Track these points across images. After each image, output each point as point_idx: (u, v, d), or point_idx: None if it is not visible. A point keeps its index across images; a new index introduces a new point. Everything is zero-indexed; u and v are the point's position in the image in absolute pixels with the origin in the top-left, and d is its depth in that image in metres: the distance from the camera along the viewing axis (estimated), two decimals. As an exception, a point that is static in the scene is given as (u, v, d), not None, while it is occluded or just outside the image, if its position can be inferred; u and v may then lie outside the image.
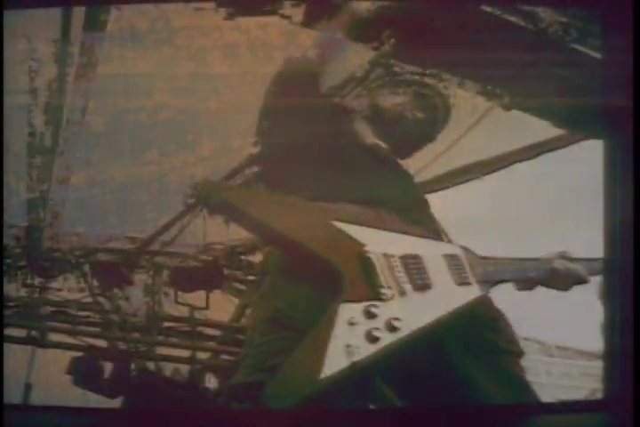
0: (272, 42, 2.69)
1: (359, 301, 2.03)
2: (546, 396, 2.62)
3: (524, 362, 2.39)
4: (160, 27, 2.72)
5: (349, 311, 2.01)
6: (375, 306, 2.04)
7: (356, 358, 1.98)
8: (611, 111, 2.56)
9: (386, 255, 2.12)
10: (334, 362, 1.96)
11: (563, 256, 2.39)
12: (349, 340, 1.99)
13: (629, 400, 2.30)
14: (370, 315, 2.03)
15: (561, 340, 2.79)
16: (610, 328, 2.53)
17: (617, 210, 2.47)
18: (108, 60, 2.77)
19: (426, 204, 2.40)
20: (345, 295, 2.03)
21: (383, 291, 2.06)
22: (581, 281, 2.41)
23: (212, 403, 2.68)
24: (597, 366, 2.61)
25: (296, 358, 2.00)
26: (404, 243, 2.17)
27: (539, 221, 2.64)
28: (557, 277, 2.37)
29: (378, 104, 2.49)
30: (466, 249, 2.29)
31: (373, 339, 2.01)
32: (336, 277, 2.05)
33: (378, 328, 2.02)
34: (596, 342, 2.60)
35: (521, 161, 2.82)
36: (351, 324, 2.00)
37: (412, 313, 2.07)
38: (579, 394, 2.72)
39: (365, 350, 1.99)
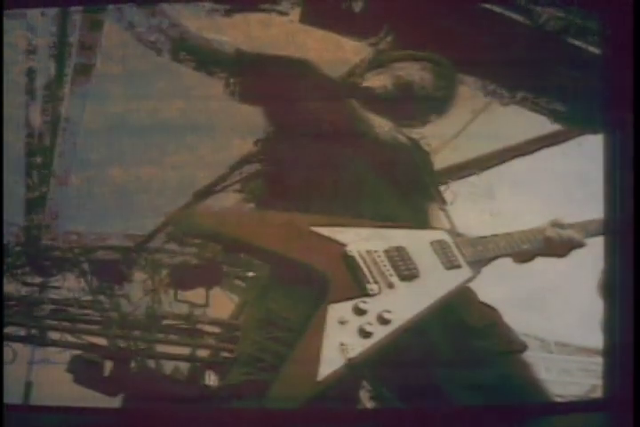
0: (272, 40, 2.69)
1: (347, 299, 2.04)
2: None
3: (525, 358, 2.39)
4: (159, 25, 2.73)
5: (339, 311, 2.03)
6: (364, 302, 2.05)
7: (351, 355, 1.99)
8: (610, 106, 2.56)
9: (369, 251, 2.12)
10: (330, 361, 1.97)
11: (554, 224, 2.39)
12: (342, 338, 2.00)
13: (629, 400, 2.30)
14: (360, 311, 2.04)
15: (560, 336, 2.79)
16: (610, 324, 2.52)
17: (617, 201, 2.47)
18: (107, 60, 2.78)
19: (427, 187, 2.39)
20: (332, 296, 2.05)
21: (369, 286, 2.07)
22: (578, 245, 2.41)
23: (213, 401, 2.68)
24: (597, 363, 2.61)
25: (292, 360, 2.02)
26: (387, 237, 2.17)
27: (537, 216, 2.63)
28: (552, 245, 2.37)
29: (399, 77, 2.47)
30: (453, 232, 2.28)
31: (366, 334, 2.02)
32: (322, 281, 2.07)
33: (370, 323, 2.03)
34: (596, 339, 2.59)
35: (519, 156, 2.82)
36: (342, 322, 2.01)
37: (403, 303, 2.08)
38: (578, 390, 2.72)
39: (359, 346, 2.00)
